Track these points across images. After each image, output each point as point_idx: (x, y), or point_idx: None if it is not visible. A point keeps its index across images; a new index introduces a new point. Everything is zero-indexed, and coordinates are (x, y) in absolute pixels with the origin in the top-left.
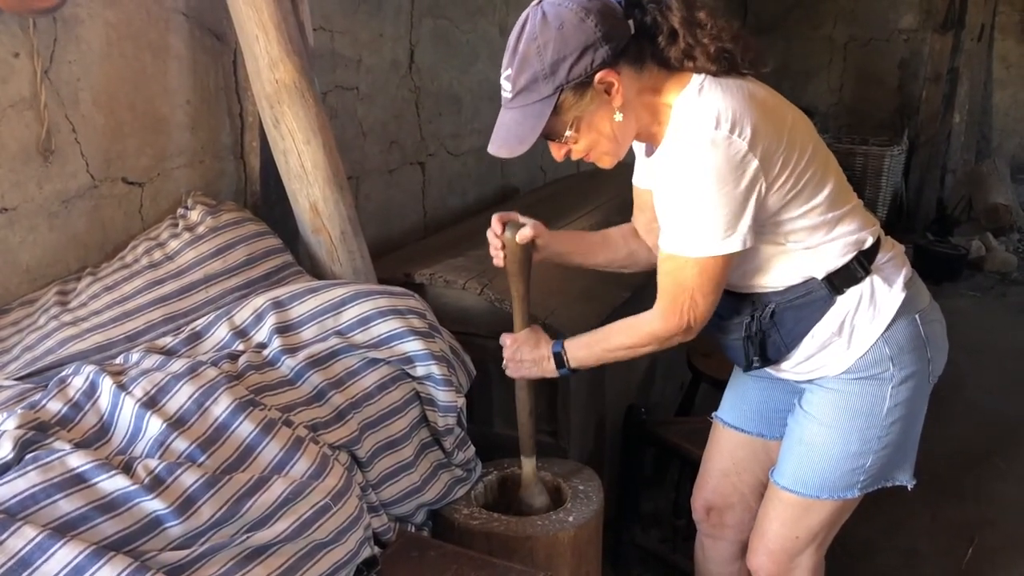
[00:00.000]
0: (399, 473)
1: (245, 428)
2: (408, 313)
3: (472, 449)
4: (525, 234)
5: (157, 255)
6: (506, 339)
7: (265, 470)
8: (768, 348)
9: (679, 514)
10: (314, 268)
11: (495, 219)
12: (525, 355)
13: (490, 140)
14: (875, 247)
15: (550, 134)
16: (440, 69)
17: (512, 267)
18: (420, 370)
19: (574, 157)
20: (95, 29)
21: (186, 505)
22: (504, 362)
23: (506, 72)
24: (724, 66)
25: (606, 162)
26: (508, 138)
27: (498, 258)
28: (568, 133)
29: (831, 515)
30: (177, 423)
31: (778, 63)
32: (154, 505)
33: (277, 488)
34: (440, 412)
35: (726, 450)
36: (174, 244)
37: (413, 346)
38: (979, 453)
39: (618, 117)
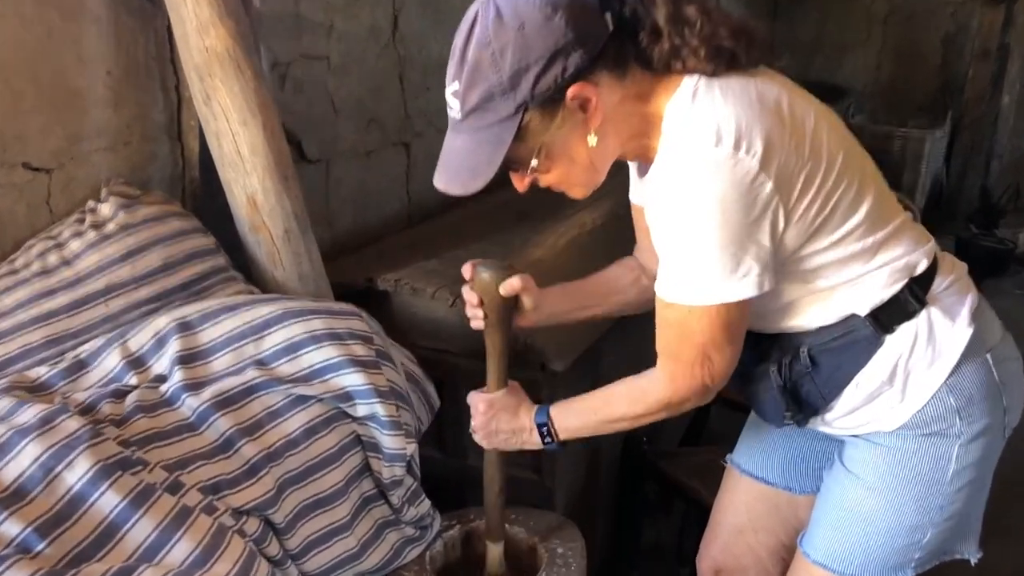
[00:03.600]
0: (330, 538)
1: (108, 500)
2: (349, 338)
3: (427, 504)
4: (513, 285)
5: (53, 259)
6: (478, 402)
7: (130, 558)
8: (802, 401)
9: (684, 561)
10: (253, 273)
11: (466, 268)
12: (502, 424)
13: (436, 170)
14: (931, 271)
15: (512, 163)
16: (429, 37)
17: (491, 317)
18: (361, 409)
19: (541, 185)
20: None
21: None
22: (472, 428)
23: (452, 86)
24: (722, 64)
25: (578, 193)
26: (460, 170)
27: (476, 321)
28: (534, 162)
29: None
30: (12, 497)
31: (811, 37)
32: None
33: None
34: (385, 461)
35: (741, 502)
36: (75, 245)
37: (352, 380)
38: None
39: (592, 141)
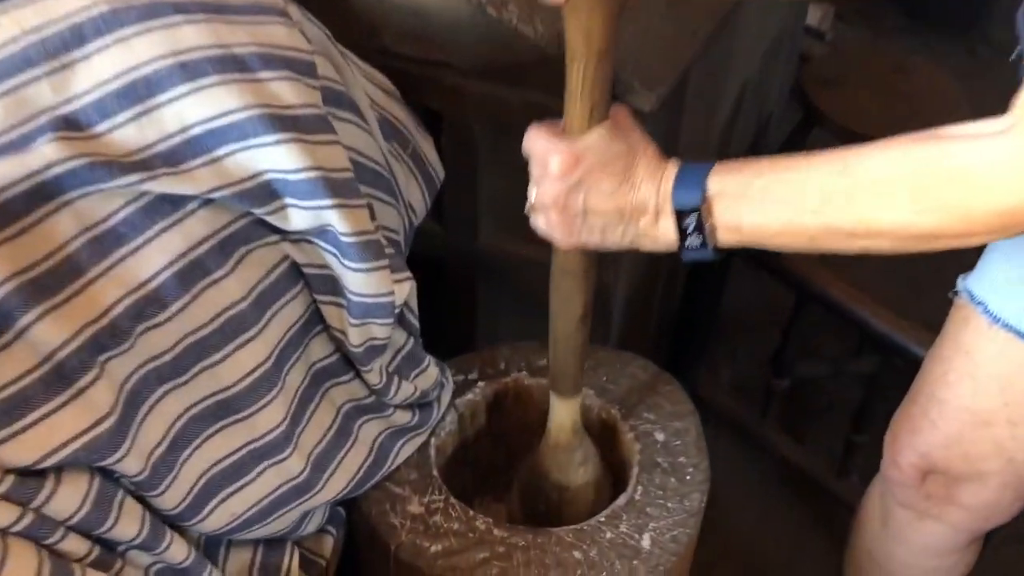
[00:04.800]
0: (251, 466)
1: None
2: (262, 65)
3: (432, 374)
4: None
5: None
6: (549, 151)
7: None
8: None
9: (782, 371)
10: None
11: None
12: (598, 200)
13: None
14: None
15: None
16: None
17: None
18: (298, 216)
19: None
20: None
21: None
22: (532, 204)
23: None
24: None
25: None
26: None
27: None
28: None
29: None
30: None
31: None
32: None
33: None
34: (352, 315)
35: (991, 374)
36: None
37: (275, 156)
38: None
39: None
